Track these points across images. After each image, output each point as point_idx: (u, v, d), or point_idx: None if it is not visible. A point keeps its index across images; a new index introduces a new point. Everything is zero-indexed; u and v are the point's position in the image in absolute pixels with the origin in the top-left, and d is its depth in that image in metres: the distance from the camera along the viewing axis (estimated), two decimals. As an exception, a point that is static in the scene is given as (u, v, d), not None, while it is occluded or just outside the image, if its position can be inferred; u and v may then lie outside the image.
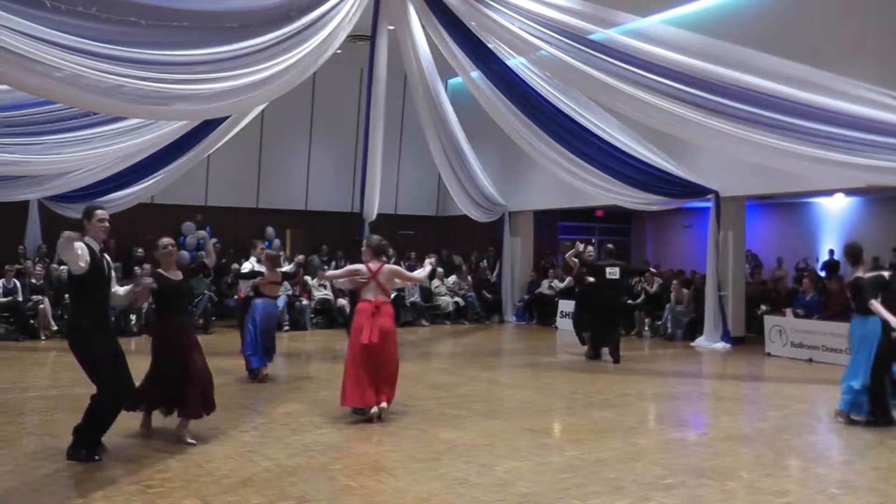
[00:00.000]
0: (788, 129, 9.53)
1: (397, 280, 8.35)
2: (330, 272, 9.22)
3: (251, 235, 15.04)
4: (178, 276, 6.89)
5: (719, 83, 9.61)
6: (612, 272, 12.27)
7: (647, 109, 10.52)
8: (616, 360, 12.07)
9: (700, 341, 14.49)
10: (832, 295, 13.86)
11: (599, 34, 10.41)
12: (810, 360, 12.52)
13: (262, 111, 15.48)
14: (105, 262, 6.22)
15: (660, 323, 16.01)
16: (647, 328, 16.25)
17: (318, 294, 17.08)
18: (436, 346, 14.67)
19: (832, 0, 12.64)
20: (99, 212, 6.28)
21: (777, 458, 6.53)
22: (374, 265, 7.87)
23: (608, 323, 12.38)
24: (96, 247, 6.08)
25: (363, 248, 8.10)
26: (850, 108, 9.09)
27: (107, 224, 6.27)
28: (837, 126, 9.24)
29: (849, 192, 16.19)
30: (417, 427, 7.40)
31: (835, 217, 18.49)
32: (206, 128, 13.37)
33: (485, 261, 20.42)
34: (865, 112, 9.04)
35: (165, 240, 6.99)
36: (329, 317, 17.02)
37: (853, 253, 8.15)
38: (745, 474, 5.97)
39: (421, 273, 8.73)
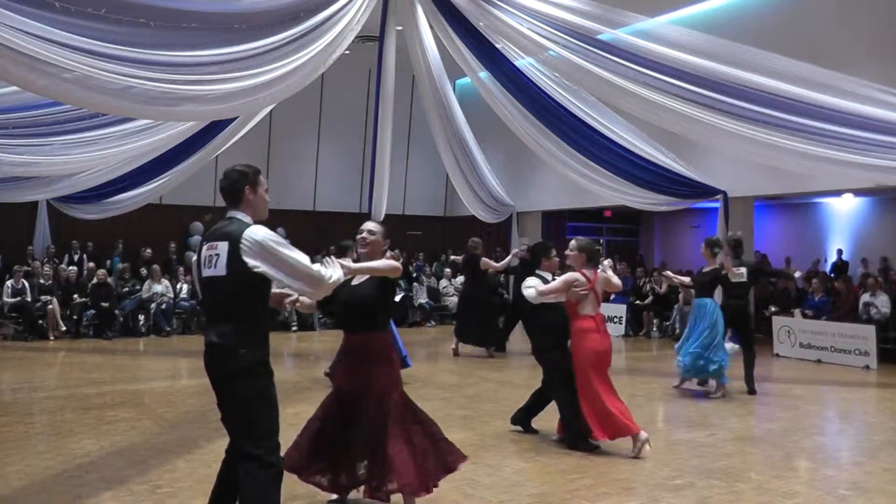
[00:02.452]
0: (797, 129, 9.49)
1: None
2: (544, 287, 6.73)
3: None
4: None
5: (728, 83, 9.57)
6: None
7: (656, 110, 10.49)
8: None
9: (708, 342, 14.42)
10: (841, 295, 13.81)
11: (608, 34, 10.40)
12: (819, 361, 12.47)
13: (271, 112, 15.49)
14: None
15: (668, 323, 15.99)
16: (655, 328, 16.22)
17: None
18: (444, 346, 14.62)
19: (842, 0, 12.61)
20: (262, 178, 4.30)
21: (786, 460, 6.51)
22: (590, 273, 6.72)
23: None
24: None
25: (570, 253, 6.85)
26: (858, 108, 9.05)
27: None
28: (846, 126, 9.20)
29: (857, 192, 16.12)
30: (425, 427, 7.38)
31: (843, 217, 18.40)
32: (214, 128, 13.40)
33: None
34: (874, 112, 9.00)
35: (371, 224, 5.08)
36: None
37: (717, 245, 9.88)
38: (754, 475, 5.95)
39: (615, 276, 6.99)
